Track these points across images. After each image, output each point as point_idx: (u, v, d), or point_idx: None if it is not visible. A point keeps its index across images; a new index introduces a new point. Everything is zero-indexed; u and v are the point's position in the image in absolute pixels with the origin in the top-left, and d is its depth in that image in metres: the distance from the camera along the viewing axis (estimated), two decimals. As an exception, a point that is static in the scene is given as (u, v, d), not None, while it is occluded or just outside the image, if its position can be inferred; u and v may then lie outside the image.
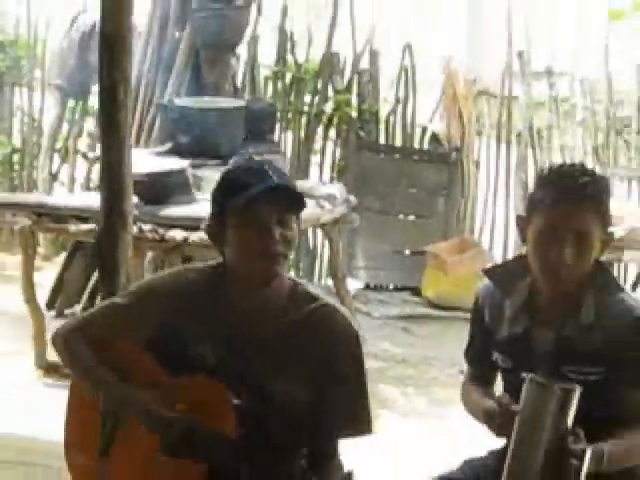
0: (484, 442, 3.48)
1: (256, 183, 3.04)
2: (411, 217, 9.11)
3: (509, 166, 9.14)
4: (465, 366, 3.65)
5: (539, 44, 9.22)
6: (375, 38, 8.87)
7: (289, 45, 8.81)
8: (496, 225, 9.17)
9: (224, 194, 3.12)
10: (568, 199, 3.16)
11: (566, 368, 3.17)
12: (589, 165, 4.68)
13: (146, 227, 5.72)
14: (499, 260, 9.11)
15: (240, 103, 7.12)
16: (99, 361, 3.14)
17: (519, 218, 3.35)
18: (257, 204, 3.02)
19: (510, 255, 9.12)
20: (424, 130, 9.21)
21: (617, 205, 5.02)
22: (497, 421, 3.13)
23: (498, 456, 3.32)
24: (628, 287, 8.62)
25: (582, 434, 2.97)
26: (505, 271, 3.51)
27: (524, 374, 3.15)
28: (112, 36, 3.88)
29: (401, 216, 8.94)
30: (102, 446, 3.18)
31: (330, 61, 8.83)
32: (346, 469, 3.12)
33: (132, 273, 6.14)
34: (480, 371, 3.54)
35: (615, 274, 4.09)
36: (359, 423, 3.15)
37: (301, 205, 3.09)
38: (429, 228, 8.97)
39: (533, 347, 3.31)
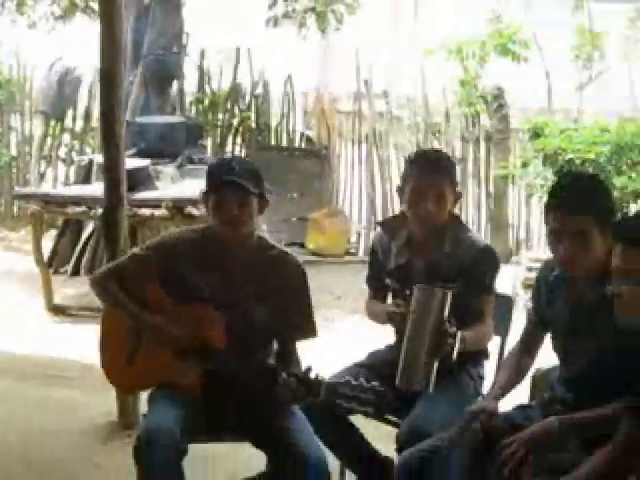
0: (368, 345, 3.51)
1: (223, 174, 2.99)
2: (295, 195, 8.88)
3: (360, 158, 9.21)
4: (367, 290, 3.55)
5: (378, 73, 9.26)
6: (266, 72, 8.84)
7: (206, 78, 8.74)
8: (354, 198, 9.25)
9: (206, 178, 3.04)
10: (429, 170, 3.20)
11: (435, 284, 3.05)
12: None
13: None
14: (356, 222, 9.28)
15: (181, 119, 7.11)
16: (125, 295, 3.06)
17: (398, 187, 3.35)
18: (220, 188, 2.98)
19: (363, 219, 9.30)
20: (302, 135, 9.20)
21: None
22: (396, 319, 3.10)
23: (394, 347, 3.31)
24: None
25: (454, 321, 2.93)
26: (391, 222, 3.51)
27: (408, 290, 3.12)
28: (108, 71, 3.84)
29: (289, 195, 8.85)
30: (129, 355, 3.06)
31: (235, 89, 8.78)
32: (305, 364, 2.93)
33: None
34: (377, 292, 3.51)
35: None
36: (310, 330, 3.13)
37: (246, 190, 2.96)
38: (309, 202, 8.85)
39: (412, 272, 3.29)
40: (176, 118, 7.15)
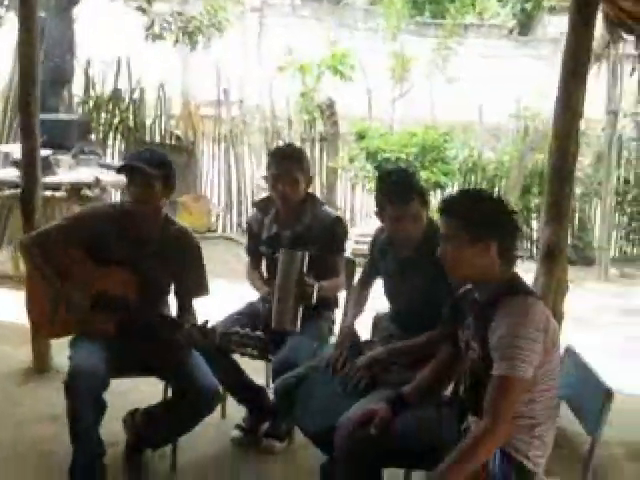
0: (230, 304, 3.54)
1: (133, 160, 3.02)
2: None
3: (220, 154, 9.17)
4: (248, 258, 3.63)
5: (236, 84, 9.28)
6: (142, 80, 8.65)
7: (92, 83, 8.48)
8: (214, 186, 9.23)
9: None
10: (285, 161, 3.32)
11: (299, 248, 3.23)
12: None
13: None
14: (216, 205, 9.28)
15: (74, 117, 6.91)
16: (44, 260, 2.99)
17: (264, 176, 3.49)
18: (129, 171, 2.98)
19: (222, 202, 9.32)
20: (171, 133, 9.08)
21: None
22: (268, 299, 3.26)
23: (263, 300, 3.44)
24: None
25: (312, 275, 3.13)
26: (262, 202, 3.58)
27: (277, 254, 3.30)
28: (26, 70, 3.70)
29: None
30: (51, 309, 2.99)
31: (116, 93, 8.56)
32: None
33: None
34: (254, 259, 3.58)
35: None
36: (204, 289, 3.12)
37: (148, 174, 2.93)
38: (178, 188, 8.75)
39: (281, 240, 3.40)
40: (70, 116, 6.96)
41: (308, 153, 9.33)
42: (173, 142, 8.98)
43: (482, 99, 9.83)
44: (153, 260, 3.03)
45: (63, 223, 3.11)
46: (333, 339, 3.49)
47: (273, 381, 3.18)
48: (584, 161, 9.91)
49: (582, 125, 3.56)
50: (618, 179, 9.49)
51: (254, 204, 3.67)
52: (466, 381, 2.46)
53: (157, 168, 2.98)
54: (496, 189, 9.21)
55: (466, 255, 2.30)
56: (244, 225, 8.85)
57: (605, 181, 8.83)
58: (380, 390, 2.72)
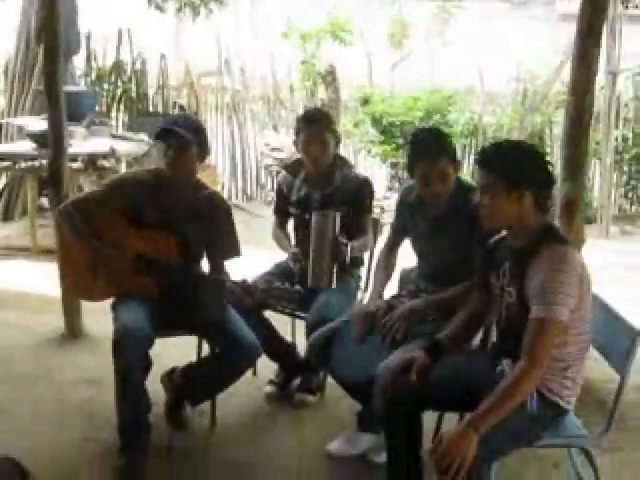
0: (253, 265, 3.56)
1: (168, 125, 3.04)
2: None
3: (223, 122, 9.17)
4: (273, 217, 3.70)
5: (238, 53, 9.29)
6: (144, 51, 8.68)
7: (93, 55, 8.50)
8: (219, 154, 9.20)
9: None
10: (314, 125, 3.38)
11: (329, 209, 3.31)
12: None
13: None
14: (221, 173, 9.32)
15: (83, 88, 6.93)
16: (86, 224, 3.06)
17: (294, 141, 3.52)
18: (164, 136, 3.00)
19: (227, 171, 9.37)
20: (175, 103, 9.09)
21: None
22: (295, 258, 3.35)
23: (295, 259, 3.47)
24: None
25: (344, 235, 3.24)
26: (293, 165, 3.64)
27: (307, 215, 3.43)
28: (51, 46, 3.81)
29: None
30: (93, 272, 3.07)
31: (117, 65, 8.56)
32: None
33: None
34: (281, 219, 3.67)
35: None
36: (236, 250, 3.21)
37: (185, 139, 2.97)
38: None
39: (310, 201, 3.50)
40: (80, 88, 6.97)
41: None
42: (177, 112, 9.00)
43: (480, 63, 9.86)
44: (188, 223, 3.10)
45: (101, 189, 3.18)
46: (360, 295, 3.64)
47: (307, 336, 3.29)
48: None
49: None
50: (616, 139, 9.59)
51: (284, 167, 3.76)
52: (501, 325, 2.58)
53: (193, 133, 3.03)
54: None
55: (502, 204, 2.40)
56: (249, 192, 8.93)
57: (604, 141, 8.91)
58: (416, 340, 2.84)
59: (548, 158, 2.50)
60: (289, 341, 3.76)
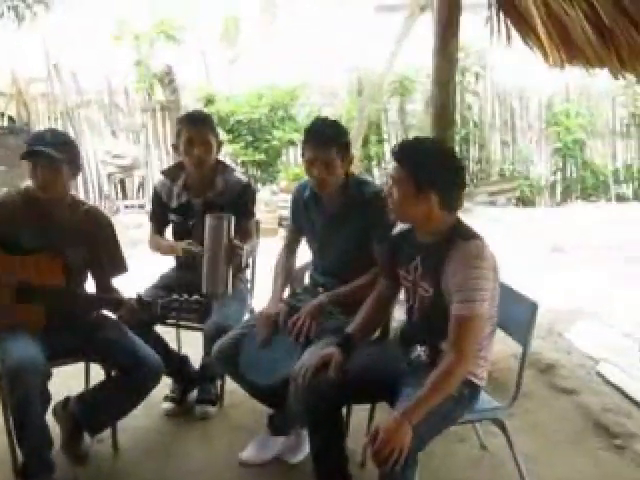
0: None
1: (34, 144, 2.82)
2: (2, 168, 8.34)
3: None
4: (150, 225, 3.56)
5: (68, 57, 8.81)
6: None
7: None
8: None
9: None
10: (197, 125, 3.28)
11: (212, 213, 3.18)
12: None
13: None
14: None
15: None
16: None
17: (173, 144, 3.42)
18: (31, 156, 2.82)
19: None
20: (2, 115, 8.54)
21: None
22: (191, 252, 3.19)
23: (179, 269, 3.46)
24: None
25: (239, 238, 3.14)
26: (171, 170, 3.53)
27: (190, 222, 3.36)
28: None
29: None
30: None
31: None
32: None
33: None
34: (158, 226, 3.54)
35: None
36: (122, 266, 3.07)
37: (53, 158, 2.79)
38: (19, 173, 8.23)
39: (192, 208, 3.41)
40: None
41: (149, 124, 9.17)
42: (6, 124, 8.45)
43: (313, 58, 10.05)
44: (67, 243, 2.94)
45: None
46: (250, 298, 3.60)
47: (205, 348, 3.22)
48: (417, 107, 10.50)
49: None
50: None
51: (162, 172, 3.62)
52: (413, 315, 2.65)
53: (62, 150, 2.84)
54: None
55: (409, 202, 2.44)
56: (90, 201, 8.56)
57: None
58: (326, 337, 2.84)
59: (460, 159, 2.54)
60: (181, 353, 3.65)
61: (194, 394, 3.58)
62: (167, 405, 3.54)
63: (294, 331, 2.90)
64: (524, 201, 11.05)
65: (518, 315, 2.67)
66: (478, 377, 2.56)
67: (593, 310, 5.18)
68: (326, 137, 2.89)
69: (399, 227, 2.71)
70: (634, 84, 10.96)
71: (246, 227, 3.40)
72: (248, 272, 3.70)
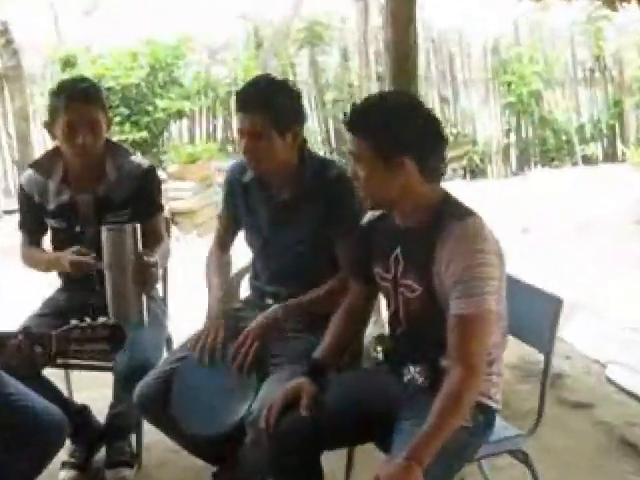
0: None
1: None
2: None
3: None
4: (21, 234, 3.46)
5: None
6: None
7: None
8: None
9: None
10: (79, 102, 3.15)
11: (107, 216, 3.17)
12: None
13: None
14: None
15: None
16: None
17: (46, 123, 3.26)
18: None
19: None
20: None
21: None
22: (83, 266, 3.11)
23: (67, 289, 3.37)
24: None
25: (149, 251, 3.06)
26: (43, 161, 3.39)
27: (77, 228, 3.25)
28: None
29: None
30: None
31: None
32: None
33: None
34: (32, 236, 3.43)
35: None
36: None
37: None
38: None
39: (78, 208, 3.29)
40: None
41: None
42: None
43: (197, 2, 9.91)
44: None
45: None
46: (167, 321, 3.50)
47: (119, 392, 3.15)
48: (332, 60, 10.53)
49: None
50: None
51: (31, 165, 3.45)
52: (398, 326, 2.59)
53: None
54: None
55: (380, 176, 2.40)
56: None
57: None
58: (289, 365, 2.77)
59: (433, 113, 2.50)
60: (79, 403, 3.52)
61: (101, 455, 3.45)
62: (67, 474, 3.40)
63: (237, 360, 2.81)
64: (473, 171, 11.27)
65: (535, 315, 2.69)
66: (493, 399, 2.54)
67: (586, 302, 5.29)
68: (253, 101, 2.82)
69: (369, 215, 2.67)
70: (596, 19, 11.36)
71: (153, 227, 3.33)
72: (159, 286, 3.59)
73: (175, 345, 3.35)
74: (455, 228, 2.37)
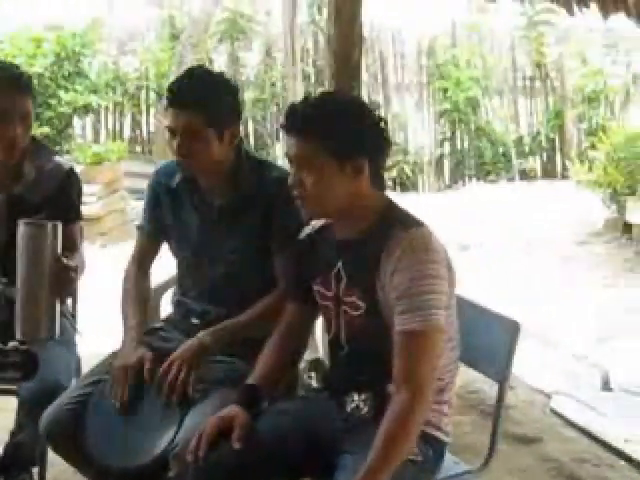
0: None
1: None
2: None
3: None
4: None
5: None
6: None
7: None
8: None
9: None
10: (10, 89, 3.10)
11: (22, 218, 2.93)
12: None
13: None
14: None
15: None
16: None
17: None
18: None
19: None
20: None
21: None
22: None
23: None
24: None
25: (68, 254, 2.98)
26: None
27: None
28: None
29: None
30: None
31: None
32: None
33: None
34: None
35: None
36: None
37: None
38: None
39: None
40: None
41: None
42: None
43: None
44: None
45: None
46: (78, 339, 3.42)
47: (23, 419, 3.06)
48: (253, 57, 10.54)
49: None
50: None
51: None
52: (340, 349, 2.59)
53: None
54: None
55: (332, 180, 2.40)
56: None
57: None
58: (218, 391, 2.74)
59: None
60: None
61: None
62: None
63: (164, 387, 2.76)
64: (403, 183, 11.39)
65: (489, 339, 2.71)
66: (443, 430, 2.55)
67: (528, 326, 5.36)
68: (188, 97, 2.77)
69: (309, 227, 2.67)
70: (538, 23, 11.62)
71: (70, 235, 3.21)
72: (69, 301, 3.52)
73: (84, 367, 3.28)
74: (401, 238, 2.37)
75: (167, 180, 3.03)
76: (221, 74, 2.99)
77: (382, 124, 2.49)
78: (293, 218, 2.69)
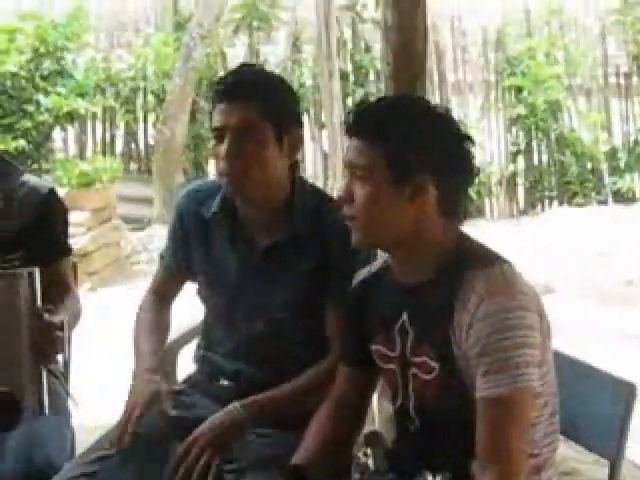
0: None
1: None
2: None
3: None
4: None
5: None
6: None
7: None
8: None
9: None
10: None
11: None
12: None
13: None
14: None
15: None
16: None
17: None
18: None
19: None
20: None
21: None
22: None
23: None
24: None
25: (52, 306, 3.01)
26: None
27: None
28: None
29: None
30: None
31: None
32: None
33: None
34: None
35: None
36: None
37: None
38: None
39: None
40: None
41: None
42: None
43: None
44: None
45: None
46: (72, 404, 3.46)
47: None
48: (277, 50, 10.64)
49: None
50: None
51: None
52: (409, 422, 2.61)
53: None
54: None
55: (390, 200, 2.42)
56: None
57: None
58: (246, 474, 2.75)
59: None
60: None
61: None
62: None
63: (180, 471, 2.77)
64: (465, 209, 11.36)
65: (596, 406, 2.72)
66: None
67: None
68: (243, 87, 2.82)
69: (362, 272, 2.69)
70: (635, 5, 11.59)
71: (57, 275, 3.32)
72: (59, 357, 3.56)
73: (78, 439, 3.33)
74: (478, 279, 2.38)
75: (199, 207, 3.06)
76: (277, 74, 3.04)
77: (463, 140, 2.48)
78: (355, 267, 2.72)
